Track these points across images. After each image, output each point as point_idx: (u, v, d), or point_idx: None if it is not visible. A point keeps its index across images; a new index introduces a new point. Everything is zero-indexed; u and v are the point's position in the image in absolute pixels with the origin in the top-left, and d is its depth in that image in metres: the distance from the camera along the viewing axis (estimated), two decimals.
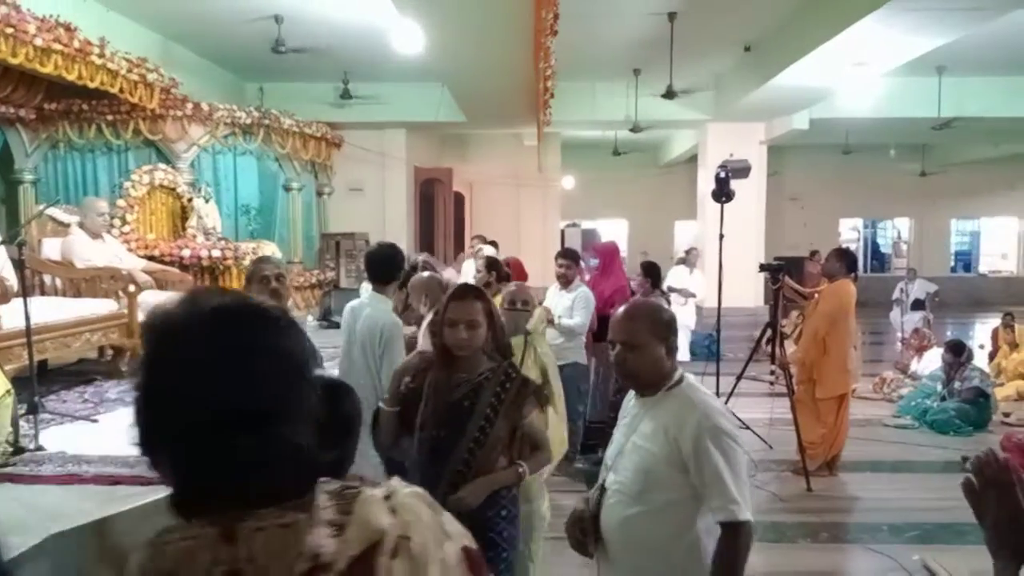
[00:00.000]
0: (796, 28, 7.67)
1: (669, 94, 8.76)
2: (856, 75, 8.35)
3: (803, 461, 5.44)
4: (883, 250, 20.95)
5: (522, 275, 7.16)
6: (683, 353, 9.75)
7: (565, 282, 5.49)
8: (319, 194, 9.91)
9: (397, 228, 11.40)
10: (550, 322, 5.15)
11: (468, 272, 9.02)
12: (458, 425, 2.41)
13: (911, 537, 4.53)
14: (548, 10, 5.25)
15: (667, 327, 2.16)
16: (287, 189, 8.88)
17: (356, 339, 3.58)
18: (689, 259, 10.17)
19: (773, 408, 6.39)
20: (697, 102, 10.83)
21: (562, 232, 15.17)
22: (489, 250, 9.14)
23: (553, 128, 11.44)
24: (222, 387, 0.83)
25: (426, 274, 4.56)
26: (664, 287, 9.91)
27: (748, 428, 6.26)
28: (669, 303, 5.70)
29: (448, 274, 6.07)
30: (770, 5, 7.47)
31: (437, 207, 12.53)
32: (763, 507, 4.99)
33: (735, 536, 1.98)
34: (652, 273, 5.76)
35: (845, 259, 5.72)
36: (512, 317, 3.79)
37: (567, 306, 5.33)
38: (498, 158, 13.72)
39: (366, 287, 4.00)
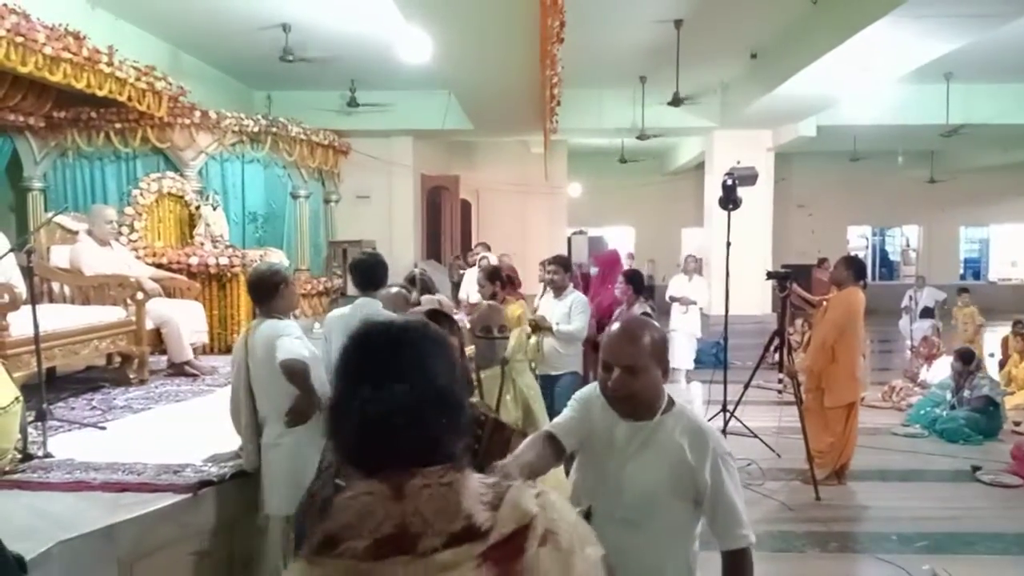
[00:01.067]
0: (803, 35, 7.66)
1: (676, 101, 8.76)
2: (864, 82, 8.33)
3: (811, 470, 5.41)
4: (891, 258, 20.88)
5: (516, 282, 7.17)
6: (687, 361, 9.73)
7: (555, 289, 5.44)
8: (326, 202, 9.94)
9: (404, 236, 11.43)
10: (548, 330, 5.13)
11: (472, 283, 9.01)
12: None
13: (920, 547, 4.49)
14: (555, 18, 5.26)
15: (665, 347, 2.06)
16: (294, 197, 8.91)
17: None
18: (687, 267, 10.16)
19: (781, 416, 6.35)
20: (704, 109, 10.83)
21: (568, 239, 15.17)
22: (492, 257, 9.14)
23: (560, 136, 11.45)
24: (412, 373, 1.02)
25: (394, 289, 4.61)
26: (666, 297, 9.93)
27: (756, 436, 6.24)
28: (654, 310, 5.65)
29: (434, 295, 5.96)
30: (777, 12, 7.47)
31: (444, 215, 12.55)
32: (771, 516, 4.96)
33: (744, 560, 1.97)
34: (635, 281, 5.71)
35: (853, 267, 5.69)
36: (486, 346, 3.32)
37: (564, 312, 5.24)
38: (505, 166, 13.74)
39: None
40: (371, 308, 3.90)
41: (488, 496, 0.96)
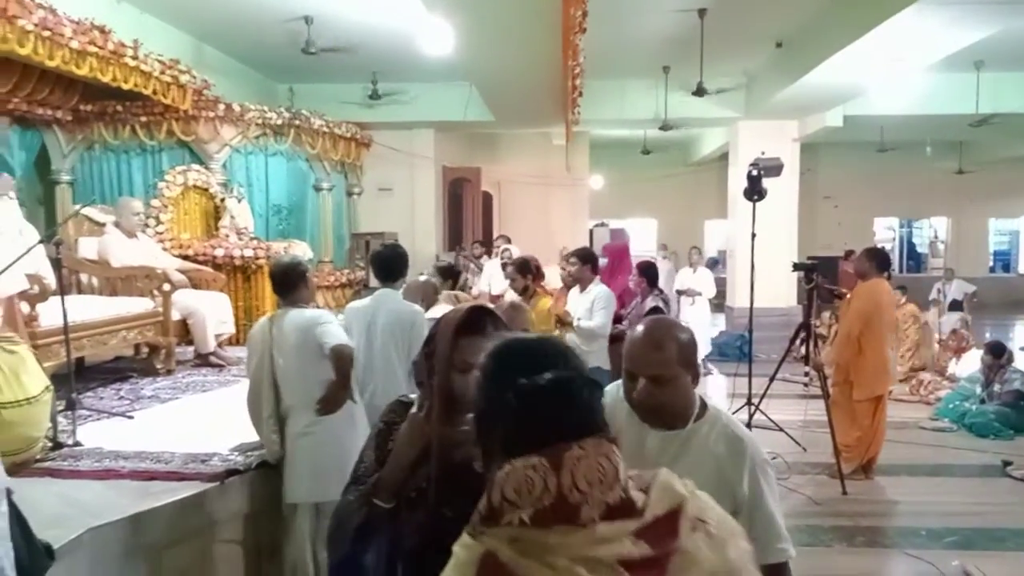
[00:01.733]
0: (830, 23, 7.55)
1: (699, 91, 8.68)
2: (891, 71, 8.20)
3: (838, 464, 5.36)
4: (919, 250, 20.59)
5: (538, 276, 7.13)
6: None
7: (572, 282, 5.32)
8: (349, 194, 9.96)
9: (426, 228, 11.45)
10: (568, 324, 5.05)
11: (494, 274, 9.02)
12: (470, 499, 1.70)
13: (950, 542, 4.43)
14: (577, 7, 5.21)
15: (694, 349, 1.87)
16: (317, 189, 8.94)
17: (378, 332, 3.63)
18: (691, 259, 10.13)
19: (807, 410, 6.29)
20: (728, 99, 10.71)
21: (591, 232, 15.11)
22: (514, 250, 9.14)
23: (582, 127, 11.38)
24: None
25: (422, 277, 4.62)
26: (674, 290, 9.89)
27: (781, 430, 6.18)
28: (667, 303, 5.57)
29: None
30: (803, 0, 7.36)
31: (465, 207, 12.55)
32: (797, 510, 4.92)
33: (784, 575, 1.87)
34: (649, 273, 5.64)
35: (877, 258, 5.63)
36: None
37: (586, 307, 5.07)
38: (526, 157, 13.70)
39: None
40: (391, 299, 3.90)
41: (636, 482, 1.00)
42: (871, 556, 4.39)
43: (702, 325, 9.76)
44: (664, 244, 13.86)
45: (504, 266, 7.92)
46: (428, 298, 4.29)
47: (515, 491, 0.96)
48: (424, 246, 11.01)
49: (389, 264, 4.03)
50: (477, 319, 1.76)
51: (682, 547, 0.94)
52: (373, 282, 9.30)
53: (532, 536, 0.93)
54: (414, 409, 1.78)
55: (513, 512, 0.95)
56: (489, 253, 10.56)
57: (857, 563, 4.29)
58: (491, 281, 8.93)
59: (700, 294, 9.71)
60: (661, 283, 6.62)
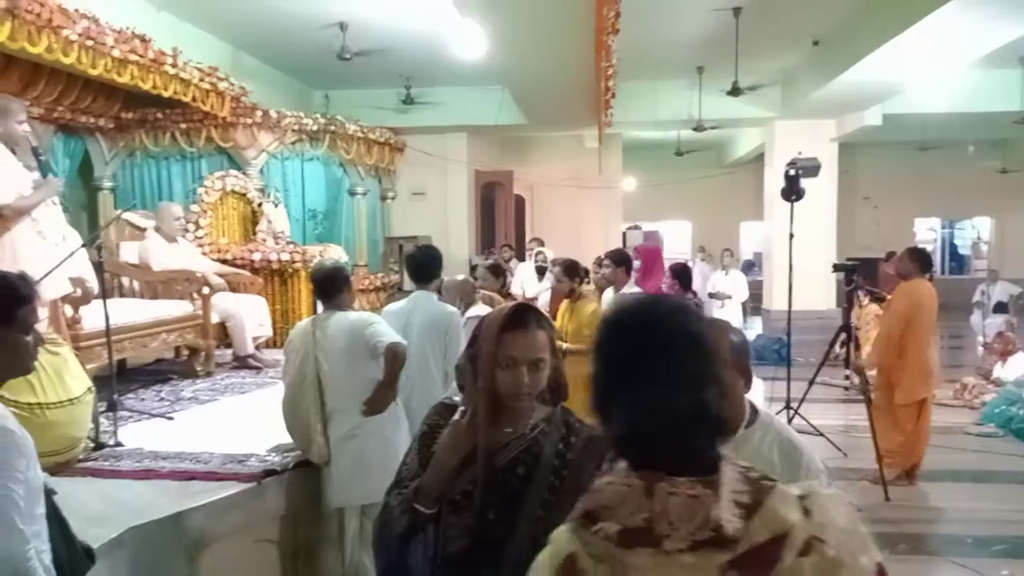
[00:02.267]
0: (868, 20, 7.41)
1: (735, 91, 8.59)
2: (932, 68, 8.03)
3: (880, 469, 5.23)
4: (961, 251, 20.11)
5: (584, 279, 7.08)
6: None
7: (605, 285, 5.29)
8: (383, 198, 10.05)
9: (459, 231, 11.48)
10: None
11: (527, 277, 8.99)
12: (513, 502, 1.71)
13: (997, 551, 4.29)
14: (610, 8, 5.19)
15: (746, 353, 1.86)
16: (352, 194, 9.03)
17: (414, 334, 3.64)
18: (722, 261, 10.02)
19: (848, 414, 6.17)
20: (763, 99, 10.58)
21: (624, 234, 15.03)
22: (548, 252, 9.11)
23: (614, 129, 11.34)
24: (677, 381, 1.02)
25: (460, 276, 4.61)
26: (706, 293, 9.78)
27: (821, 435, 6.07)
28: (699, 306, 5.49)
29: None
30: None
31: (498, 210, 12.57)
32: None
33: None
34: (682, 276, 5.58)
35: (919, 258, 5.50)
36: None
37: None
38: (559, 160, 13.67)
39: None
40: (427, 301, 3.92)
41: (745, 497, 0.94)
42: (915, 564, 4.28)
43: None
44: (702, 246, 13.69)
45: (551, 264, 7.88)
46: (466, 297, 4.29)
47: (611, 501, 0.98)
48: (457, 250, 11.04)
49: (423, 266, 4.04)
50: (522, 315, 1.74)
51: (779, 574, 0.91)
52: (407, 285, 9.41)
53: (616, 553, 0.94)
54: (456, 416, 1.75)
55: (606, 521, 0.96)
56: (519, 256, 10.55)
57: (901, 571, 4.18)
58: (524, 284, 8.91)
59: (730, 297, 9.59)
60: (697, 285, 6.55)
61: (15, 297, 1.78)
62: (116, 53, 5.43)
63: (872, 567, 0.95)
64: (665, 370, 1.01)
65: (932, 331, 5.46)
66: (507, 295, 7.56)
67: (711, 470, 0.97)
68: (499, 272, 5.65)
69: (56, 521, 1.71)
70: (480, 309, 4.56)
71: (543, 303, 7.75)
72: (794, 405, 5.97)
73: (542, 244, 9.83)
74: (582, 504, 1.01)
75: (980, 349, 9.36)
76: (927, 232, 19.26)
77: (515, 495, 1.70)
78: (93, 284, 4.25)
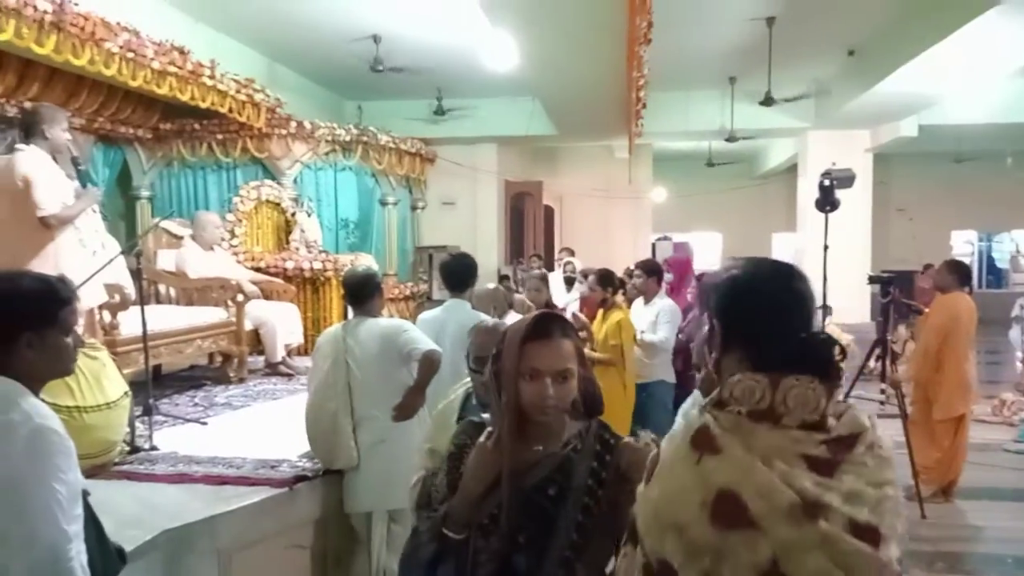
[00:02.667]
0: (905, 29, 7.31)
1: (767, 101, 8.52)
2: (970, 78, 7.90)
3: (916, 486, 5.13)
4: (999, 264, 19.69)
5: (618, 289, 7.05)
6: None
7: (635, 295, 5.27)
8: (413, 208, 10.12)
9: (488, 241, 11.50)
10: (632, 338, 4.99)
11: (555, 286, 8.96)
12: (544, 525, 1.61)
13: None
14: (643, 18, 5.19)
15: None
16: (383, 203, 9.10)
17: (447, 343, 3.64)
18: None
19: (884, 430, 6.03)
20: (797, 109, 10.47)
21: (653, 245, 14.95)
22: (577, 263, 9.08)
23: (645, 139, 11.31)
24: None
25: (491, 285, 4.62)
26: None
27: None
28: None
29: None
30: (875, 6, 7.16)
31: (527, 220, 12.58)
32: None
33: None
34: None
35: (958, 271, 5.41)
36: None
37: (650, 320, 5.08)
38: (588, 171, 13.66)
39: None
40: (461, 309, 3.93)
41: (837, 407, 1.31)
42: None
43: None
44: (733, 258, 13.54)
45: (580, 274, 7.87)
46: (499, 306, 4.29)
47: (741, 393, 1.30)
48: (486, 259, 11.05)
49: (457, 274, 4.06)
50: (545, 324, 1.66)
51: (853, 458, 1.26)
52: (436, 294, 9.45)
53: (744, 424, 1.27)
54: (483, 437, 1.67)
55: (735, 406, 1.29)
56: (548, 266, 10.53)
57: None
58: (552, 294, 8.88)
59: None
60: None
61: (56, 299, 1.81)
62: (155, 65, 5.55)
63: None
64: (804, 308, 1.41)
65: (971, 345, 5.35)
66: (550, 306, 7.55)
67: (823, 375, 1.30)
68: (547, 282, 5.70)
69: (91, 522, 1.74)
70: (513, 318, 4.56)
71: (571, 313, 7.72)
72: None
73: (572, 254, 9.82)
74: (716, 394, 1.33)
75: (1019, 365, 9.14)
76: (964, 245, 18.89)
77: (546, 517, 1.61)
78: (131, 291, 4.34)
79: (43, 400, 1.78)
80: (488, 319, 3.36)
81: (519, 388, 1.61)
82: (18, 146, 3.90)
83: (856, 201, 9.97)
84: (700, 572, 1.24)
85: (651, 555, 1.29)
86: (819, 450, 1.26)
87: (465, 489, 1.65)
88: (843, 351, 1.36)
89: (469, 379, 2.44)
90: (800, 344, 1.34)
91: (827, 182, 6.04)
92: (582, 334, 4.31)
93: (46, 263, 3.79)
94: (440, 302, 4.26)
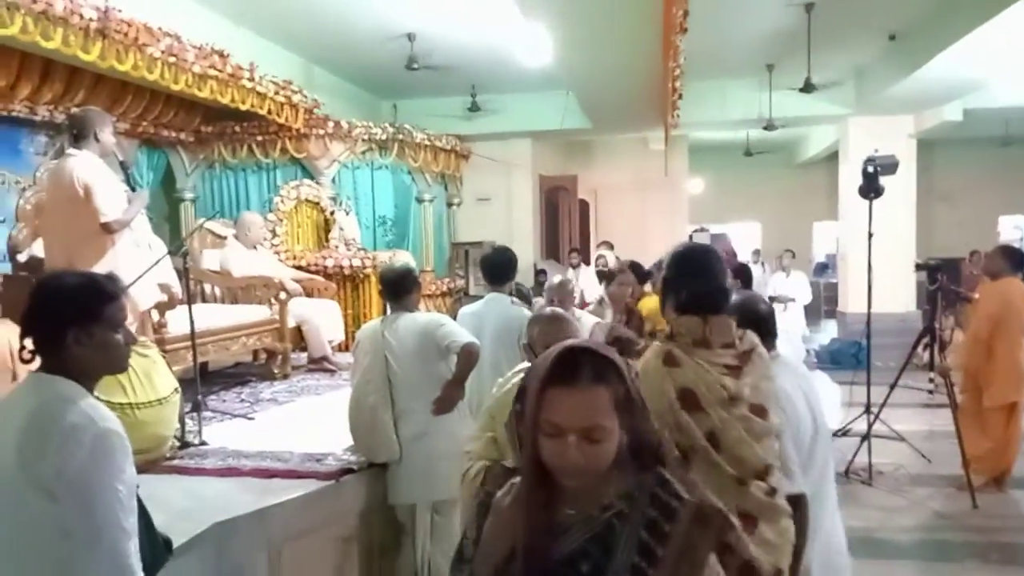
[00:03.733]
0: (948, 11, 7.12)
1: (807, 87, 8.35)
2: (1016, 60, 7.66)
3: (967, 476, 5.02)
4: None
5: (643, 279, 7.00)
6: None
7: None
8: (449, 205, 10.16)
9: (523, 236, 11.48)
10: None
11: (587, 283, 8.93)
12: None
13: None
14: (679, 7, 5.13)
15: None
16: (419, 201, 9.16)
17: (487, 337, 3.65)
18: (782, 263, 9.76)
19: (933, 420, 5.93)
20: (837, 96, 10.27)
21: (690, 237, 14.80)
22: (610, 256, 9.03)
23: (680, 130, 11.19)
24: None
25: (557, 278, 4.61)
26: (767, 296, 9.53)
27: (903, 440, 5.86)
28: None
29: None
30: None
31: (562, 215, 12.54)
32: (925, 524, 4.65)
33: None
34: (743, 276, 5.46)
35: (1012, 257, 5.27)
36: None
37: None
38: (623, 163, 13.57)
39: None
40: (500, 303, 3.95)
41: (737, 335, 2.10)
42: (1009, 574, 4.08)
43: (796, 331, 9.42)
44: (757, 250, 13.32)
45: (610, 277, 7.83)
46: (564, 301, 4.19)
47: (686, 329, 2.08)
48: (522, 254, 10.90)
49: (498, 267, 4.08)
50: (572, 364, 1.27)
51: (751, 363, 2.06)
52: (473, 289, 9.49)
53: (689, 349, 2.04)
54: (501, 492, 1.39)
55: (683, 337, 2.07)
56: (586, 260, 10.50)
57: None
58: (583, 289, 8.85)
59: (793, 300, 9.36)
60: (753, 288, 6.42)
61: (101, 294, 1.82)
62: (196, 69, 5.65)
63: (773, 390, 2.13)
64: (717, 271, 2.19)
65: (1023, 332, 5.21)
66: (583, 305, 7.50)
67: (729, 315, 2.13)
68: (642, 271, 5.54)
69: (140, 514, 1.79)
70: (587, 318, 4.52)
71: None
72: (874, 410, 5.77)
73: (611, 247, 9.74)
74: (669, 331, 2.12)
75: None
76: (1012, 231, 18.35)
77: None
78: (178, 290, 4.44)
79: (97, 398, 1.82)
80: (548, 308, 3.39)
81: (540, 443, 1.27)
82: (70, 151, 3.98)
83: (899, 188, 9.75)
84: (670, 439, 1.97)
85: None
86: (733, 361, 2.04)
87: (484, 551, 1.36)
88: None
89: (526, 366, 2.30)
90: (715, 295, 2.12)
91: (871, 169, 5.92)
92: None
93: (108, 266, 3.89)
94: (477, 297, 4.26)
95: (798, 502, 2.08)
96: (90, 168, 3.90)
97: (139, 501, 1.78)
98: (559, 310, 2.85)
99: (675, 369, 2.01)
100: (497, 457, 1.90)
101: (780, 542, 1.94)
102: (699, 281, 2.12)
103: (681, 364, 2.02)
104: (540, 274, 9.93)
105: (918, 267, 5.86)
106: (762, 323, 2.39)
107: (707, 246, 2.33)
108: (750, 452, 1.95)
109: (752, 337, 2.11)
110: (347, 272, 7.00)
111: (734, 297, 2.38)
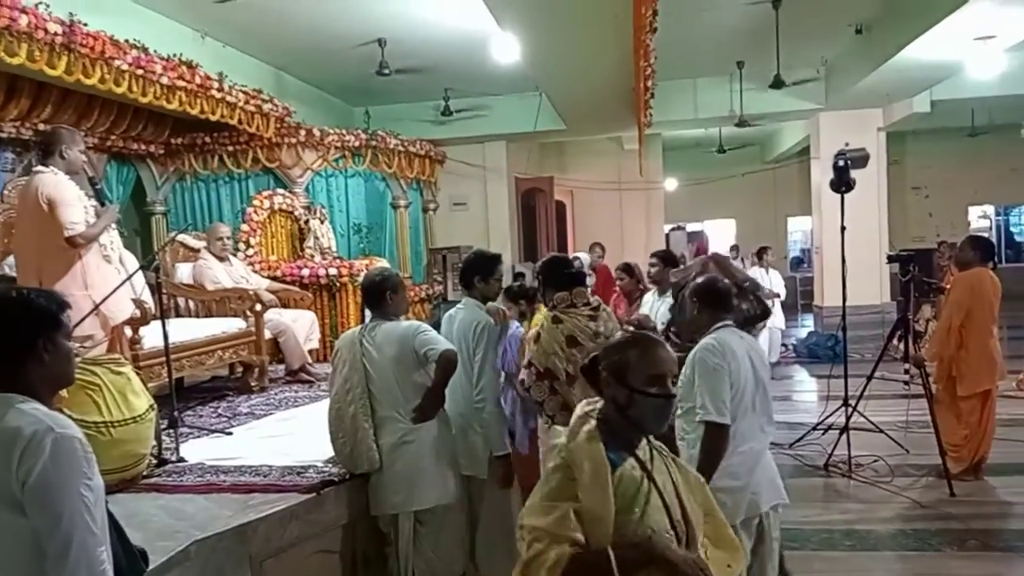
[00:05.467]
0: (912, 5, 7.23)
1: (777, 83, 8.43)
2: (981, 51, 7.78)
3: (944, 464, 5.09)
4: (1017, 238, 19.44)
5: (609, 282, 7.06)
6: (773, 355, 9.35)
7: (657, 285, 5.22)
8: (425, 210, 10.13)
9: (501, 239, 11.49)
10: (652, 331, 4.93)
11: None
12: None
13: None
14: (648, 7, 5.16)
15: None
16: (395, 207, 9.12)
17: (452, 342, 3.59)
18: (762, 259, 9.89)
19: (909, 409, 6.00)
20: (806, 91, 10.37)
21: (667, 236, 14.90)
22: (584, 258, 9.02)
23: (654, 129, 11.25)
24: None
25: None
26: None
27: (881, 431, 5.93)
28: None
29: None
30: None
31: (539, 216, 12.56)
32: (903, 514, 4.71)
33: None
34: (671, 262, 5.49)
35: (980, 247, 5.35)
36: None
37: (666, 312, 4.95)
38: (598, 164, 13.63)
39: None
40: (469, 307, 3.83)
41: (590, 299, 3.70)
42: (987, 561, 4.14)
43: (777, 327, 9.53)
44: (735, 245, 13.41)
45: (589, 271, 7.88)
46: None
47: (560, 300, 3.55)
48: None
49: (463, 272, 3.96)
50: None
51: (600, 314, 3.55)
52: (452, 295, 9.46)
53: (565, 311, 3.51)
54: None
55: (561, 304, 3.56)
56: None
57: (971, 568, 4.06)
58: None
59: (779, 296, 9.44)
60: None
61: (59, 303, 1.84)
62: (165, 80, 5.60)
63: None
64: (569, 264, 3.90)
65: (994, 321, 5.30)
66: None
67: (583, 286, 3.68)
68: (631, 271, 5.71)
69: (112, 524, 1.77)
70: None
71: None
72: (852, 402, 5.83)
73: (603, 249, 9.65)
74: (552, 304, 3.60)
75: None
76: (981, 220, 18.67)
77: None
78: (151, 305, 4.39)
79: (71, 417, 1.80)
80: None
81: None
82: (37, 168, 3.96)
83: (871, 180, 9.88)
84: (562, 370, 3.39)
85: (539, 366, 3.46)
86: (591, 312, 3.50)
87: None
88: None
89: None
90: (572, 277, 3.63)
91: (841, 162, 5.99)
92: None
93: (75, 281, 3.87)
94: (455, 302, 4.22)
95: (720, 430, 2.80)
96: (54, 184, 3.87)
97: (109, 512, 1.76)
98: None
99: (560, 324, 3.50)
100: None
101: None
102: (561, 272, 3.68)
103: (563, 320, 3.51)
104: (518, 276, 9.93)
105: (890, 259, 5.92)
106: (720, 298, 3.12)
107: (561, 256, 4.16)
108: None
109: (597, 300, 3.75)
110: (323, 281, 6.96)
111: (698, 280, 3.30)
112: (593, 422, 1.89)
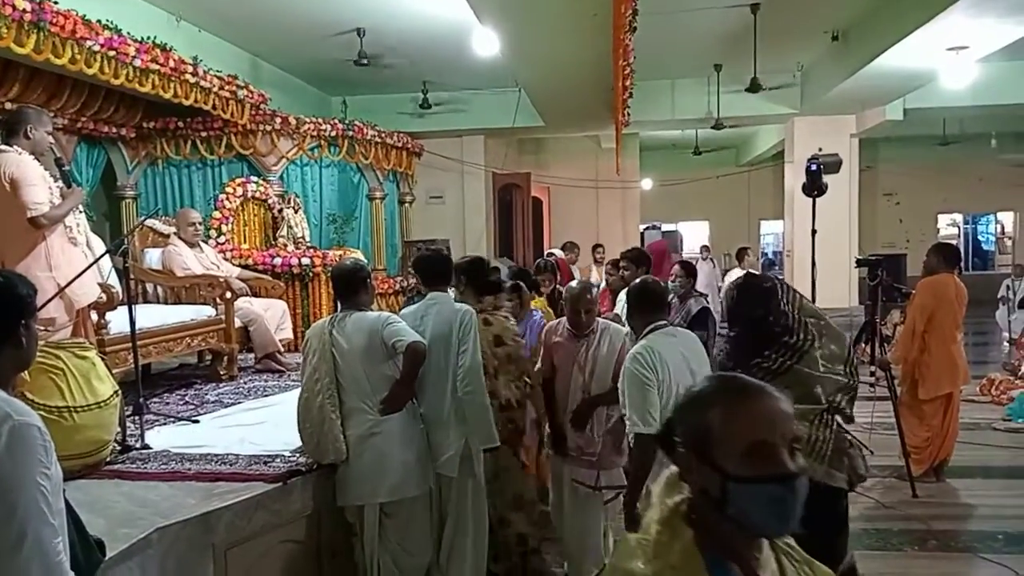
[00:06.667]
0: (887, 14, 7.33)
1: (753, 87, 8.52)
2: (954, 61, 7.92)
3: (907, 466, 5.18)
4: (985, 247, 19.85)
5: (566, 274, 7.09)
6: None
7: (622, 285, 5.18)
8: (401, 203, 10.08)
9: (476, 234, 11.49)
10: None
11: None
12: None
13: None
14: (627, 6, 5.17)
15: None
16: (371, 198, 9.07)
17: (427, 338, 3.52)
18: (739, 260, 9.95)
19: (874, 411, 6.09)
20: (782, 96, 10.50)
21: (642, 235, 14.98)
22: (558, 252, 9.04)
23: (632, 129, 11.30)
24: None
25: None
26: (721, 293, 9.69)
27: (846, 432, 6.00)
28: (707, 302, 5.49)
29: None
30: None
31: (516, 212, 12.56)
32: (866, 514, 4.77)
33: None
34: (693, 272, 5.52)
35: (943, 253, 5.48)
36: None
37: None
38: (576, 162, 13.66)
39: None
40: (443, 301, 3.77)
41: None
42: (946, 561, 4.22)
43: None
44: (705, 246, 13.50)
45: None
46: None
47: (487, 304, 3.92)
48: (475, 253, 11.03)
49: (433, 269, 3.85)
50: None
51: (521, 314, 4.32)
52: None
53: (490, 313, 3.93)
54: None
55: (487, 307, 3.86)
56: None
57: (931, 568, 4.13)
58: None
59: None
60: (700, 285, 6.54)
61: (30, 286, 1.83)
62: (137, 63, 5.51)
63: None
64: (490, 271, 4.19)
65: (958, 326, 5.39)
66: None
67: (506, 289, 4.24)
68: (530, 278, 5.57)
69: (69, 514, 1.74)
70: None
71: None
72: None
73: (575, 247, 9.63)
74: (492, 306, 3.93)
75: (1006, 345, 9.21)
76: (950, 227, 19.03)
77: None
78: (118, 289, 4.31)
79: (33, 401, 1.77)
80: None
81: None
82: (0, 147, 3.86)
83: (843, 186, 10.02)
84: (491, 365, 3.69)
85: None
86: (510, 314, 4.06)
87: None
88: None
89: None
90: (494, 284, 3.99)
91: (814, 167, 6.06)
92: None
93: (39, 262, 3.79)
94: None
95: (648, 440, 2.72)
96: (17, 163, 3.78)
97: (67, 501, 1.73)
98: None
99: (489, 326, 3.76)
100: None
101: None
102: (484, 279, 3.92)
103: (491, 323, 3.78)
104: (493, 272, 9.91)
105: (859, 263, 6.00)
106: (651, 299, 3.27)
107: (484, 260, 4.22)
108: (524, 363, 3.87)
109: (511, 303, 4.31)
110: (296, 271, 6.89)
111: (635, 281, 3.48)
112: (683, 524, 1.19)
